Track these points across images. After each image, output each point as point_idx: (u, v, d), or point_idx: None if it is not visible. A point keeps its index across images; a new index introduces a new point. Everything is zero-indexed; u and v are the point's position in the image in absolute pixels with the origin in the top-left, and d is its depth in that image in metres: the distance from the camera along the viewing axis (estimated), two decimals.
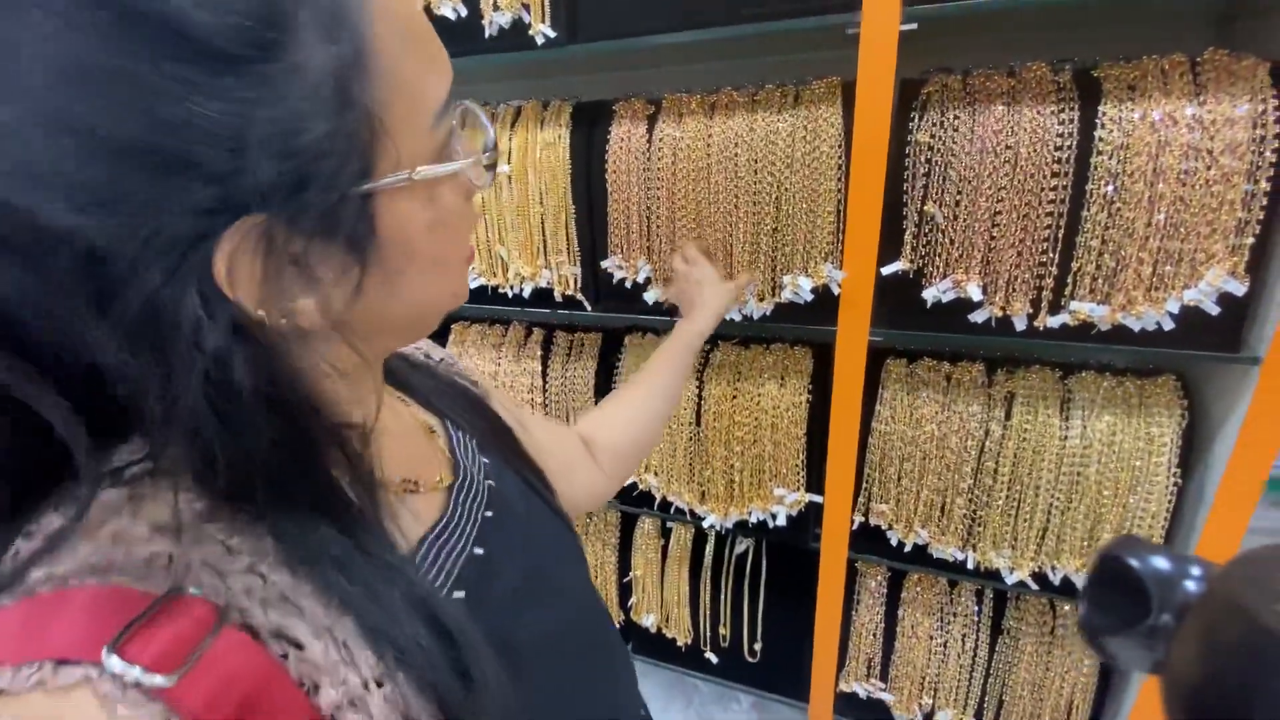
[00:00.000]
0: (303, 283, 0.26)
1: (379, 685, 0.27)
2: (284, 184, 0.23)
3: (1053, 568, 0.83)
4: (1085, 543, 0.81)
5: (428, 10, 0.89)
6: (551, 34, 0.84)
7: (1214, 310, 0.67)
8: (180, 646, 0.22)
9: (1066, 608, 0.92)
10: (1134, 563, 0.29)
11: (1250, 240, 0.65)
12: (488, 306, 1.05)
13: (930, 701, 1.01)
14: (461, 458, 0.42)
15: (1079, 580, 0.82)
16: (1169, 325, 0.69)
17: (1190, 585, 0.28)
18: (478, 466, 0.42)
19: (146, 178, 0.21)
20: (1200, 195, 0.65)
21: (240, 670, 0.23)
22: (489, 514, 0.40)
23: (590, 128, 0.90)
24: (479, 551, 0.37)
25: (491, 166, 0.33)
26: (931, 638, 0.98)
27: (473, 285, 1.03)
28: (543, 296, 1.00)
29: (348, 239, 0.26)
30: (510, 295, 1.01)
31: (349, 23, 0.25)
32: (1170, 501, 0.77)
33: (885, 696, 1.04)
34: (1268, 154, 0.64)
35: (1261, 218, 0.65)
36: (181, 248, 0.22)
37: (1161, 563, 0.29)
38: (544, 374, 1.07)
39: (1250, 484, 0.73)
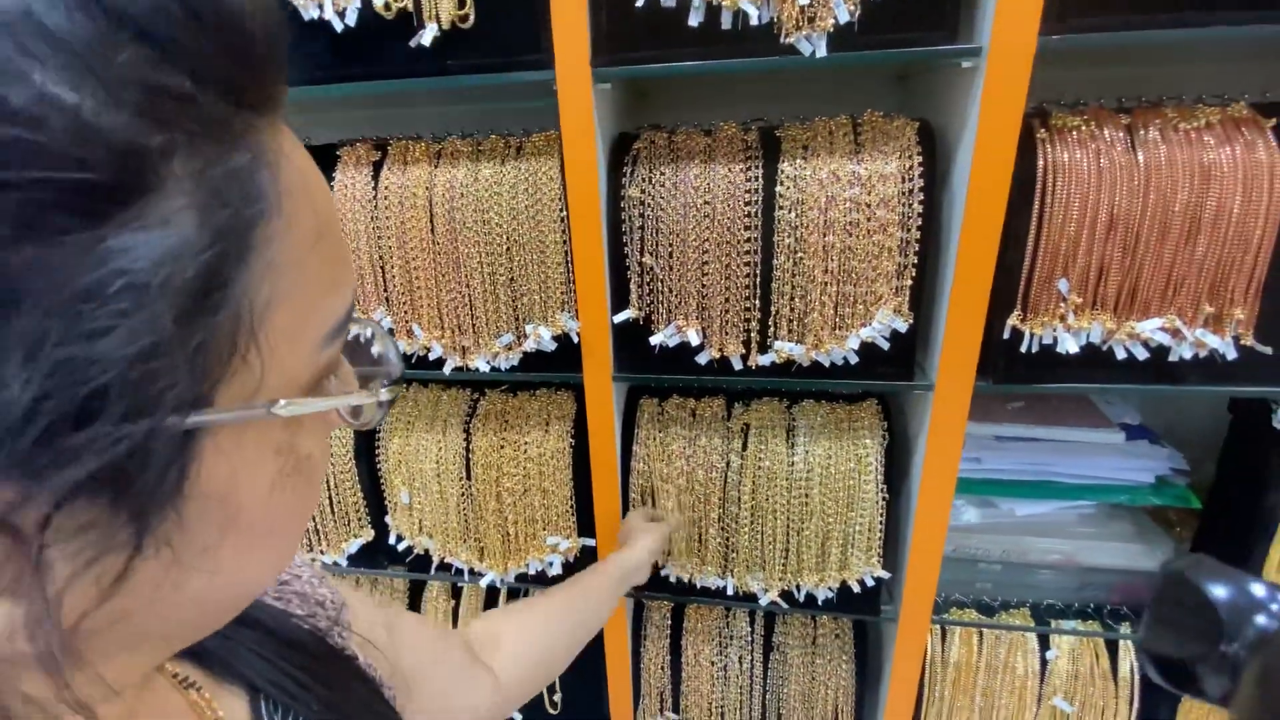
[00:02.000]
0: (7, 571, 0.16)
1: None
2: (45, 420, 0.14)
3: (798, 586, 0.89)
4: (818, 560, 0.87)
5: None
6: None
7: (885, 345, 0.75)
8: None
9: (823, 618, 0.98)
10: (1208, 587, 0.26)
11: (909, 282, 0.74)
12: None
13: None
14: None
15: (820, 594, 0.88)
16: (854, 359, 0.76)
17: (1264, 617, 0.25)
18: None
19: None
20: (864, 244, 0.72)
21: None
22: None
23: None
24: None
25: (388, 404, 0.25)
26: (713, 663, 1.01)
27: None
28: None
29: (131, 500, 0.16)
30: None
31: (252, 191, 0.18)
32: (881, 516, 0.84)
33: None
34: (915, 205, 0.72)
35: (915, 262, 0.73)
36: None
37: (1237, 589, 0.26)
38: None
39: (942, 494, 0.82)
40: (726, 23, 0.66)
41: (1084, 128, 0.67)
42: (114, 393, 0.15)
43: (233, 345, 0.18)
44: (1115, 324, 0.69)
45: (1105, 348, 0.71)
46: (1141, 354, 0.70)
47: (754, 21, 0.66)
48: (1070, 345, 0.71)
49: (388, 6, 0.71)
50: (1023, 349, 0.73)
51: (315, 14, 0.73)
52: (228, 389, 0.18)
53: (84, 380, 0.15)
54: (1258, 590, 0.26)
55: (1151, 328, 0.68)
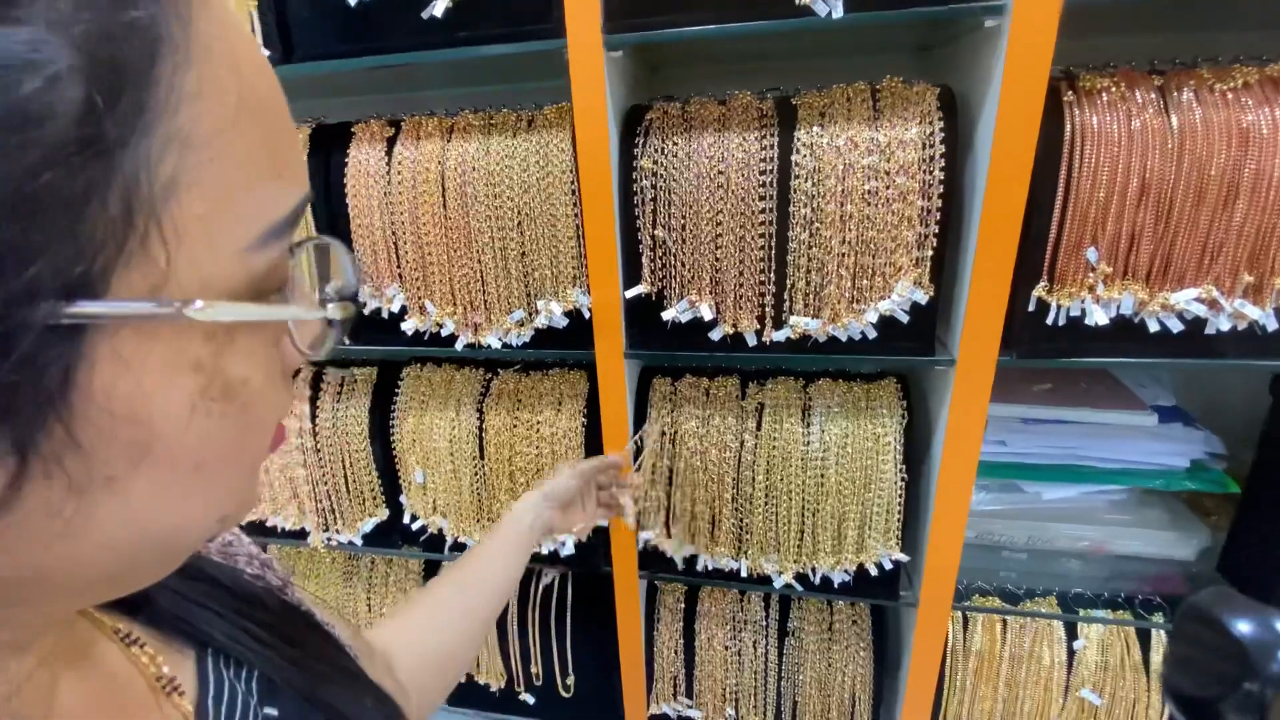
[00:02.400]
0: None
1: None
2: None
3: (813, 569, 0.87)
4: (834, 542, 0.85)
5: None
6: (265, 52, 0.78)
7: (905, 319, 0.72)
8: None
9: (839, 604, 0.96)
10: (1233, 624, 0.26)
11: (930, 253, 0.71)
12: None
13: (734, 712, 1.02)
14: None
15: (836, 577, 0.86)
16: (872, 335, 0.74)
17: None
18: None
19: None
20: (883, 213, 0.70)
21: None
22: None
23: (329, 152, 0.84)
24: None
25: (343, 324, 0.23)
26: (726, 648, 1.00)
27: None
28: None
29: (2, 400, 0.14)
30: None
31: (138, 18, 0.15)
32: (900, 497, 0.82)
33: (693, 714, 1.04)
34: (936, 172, 0.69)
35: (936, 232, 0.71)
36: None
37: (1262, 625, 0.25)
38: (313, 415, 0.99)
39: (963, 476, 0.79)
40: None
41: (1114, 89, 0.64)
42: None
43: (127, 221, 0.15)
44: (1148, 294, 0.66)
45: (1137, 320, 0.68)
46: (1176, 326, 0.67)
47: None
48: (1100, 317, 0.68)
49: None
50: (1049, 321, 0.70)
51: None
52: (124, 279, 0.15)
53: None
54: None
55: (1186, 298, 0.65)
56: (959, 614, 0.90)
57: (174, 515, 0.19)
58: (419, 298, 0.86)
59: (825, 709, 0.98)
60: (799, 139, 0.71)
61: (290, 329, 0.21)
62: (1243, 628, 0.25)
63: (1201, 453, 0.82)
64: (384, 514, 1.00)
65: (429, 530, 1.00)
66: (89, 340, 0.15)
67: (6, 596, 0.17)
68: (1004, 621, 0.90)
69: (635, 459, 0.86)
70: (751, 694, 1.00)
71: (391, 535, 1.02)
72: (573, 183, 0.77)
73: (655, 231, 0.76)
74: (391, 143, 0.82)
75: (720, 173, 0.73)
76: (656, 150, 0.75)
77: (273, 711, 0.29)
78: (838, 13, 0.64)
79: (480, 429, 0.94)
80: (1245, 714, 0.25)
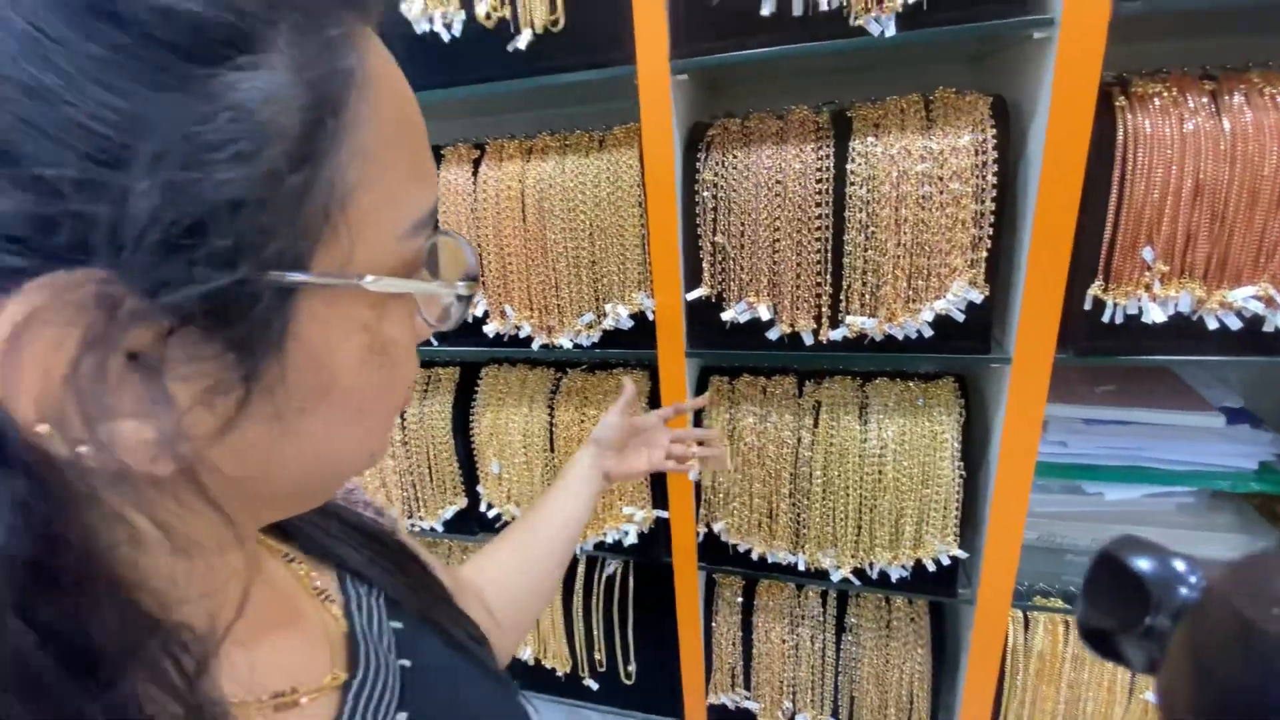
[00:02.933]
0: (138, 394, 0.18)
1: None
2: (162, 230, 0.16)
3: (870, 564, 0.89)
4: (891, 537, 0.87)
5: None
6: None
7: (960, 318, 0.75)
8: None
9: (897, 600, 0.98)
10: (1133, 562, 0.28)
11: (984, 254, 0.74)
12: None
13: (791, 705, 1.04)
14: (363, 635, 0.32)
15: (894, 573, 0.89)
16: (928, 333, 0.77)
17: (1186, 589, 0.27)
18: (386, 642, 0.33)
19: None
20: (937, 217, 0.74)
21: None
22: (402, 717, 0.30)
23: None
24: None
25: (465, 299, 0.27)
26: (784, 641, 1.03)
27: None
28: None
29: (239, 341, 0.19)
30: None
31: (342, 65, 0.20)
32: (958, 493, 0.84)
33: (751, 705, 1.07)
34: (989, 177, 0.73)
35: (991, 233, 0.74)
36: None
37: (1161, 563, 0.28)
38: (402, 411, 1.08)
39: (1021, 473, 0.81)
40: (797, 10, 0.70)
41: (1165, 94, 0.66)
42: (223, 222, 0.17)
43: (326, 214, 0.20)
44: (1205, 292, 0.67)
45: (1195, 317, 0.69)
46: (1235, 324, 0.67)
47: (823, 7, 0.70)
48: (1157, 314, 0.69)
49: (488, 16, 0.80)
50: (1105, 319, 0.72)
51: (426, 27, 0.83)
52: (321, 257, 0.20)
53: (197, 202, 0.17)
54: (1179, 565, 0.28)
55: (1244, 296, 0.66)
56: (1020, 614, 0.91)
57: (340, 445, 0.24)
58: (500, 303, 0.94)
59: (883, 705, 0.99)
60: (854, 149, 0.76)
61: (419, 305, 0.25)
62: (1144, 567, 0.28)
63: (1270, 454, 0.80)
64: (463, 502, 1.09)
65: (503, 518, 1.07)
66: (297, 303, 0.20)
67: (235, 492, 0.22)
68: (1066, 623, 0.90)
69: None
70: (809, 688, 1.03)
71: (469, 522, 1.11)
72: (640, 196, 0.84)
73: (715, 238, 0.82)
74: (477, 164, 0.91)
75: (778, 182, 0.78)
76: (718, 163, 0.81)
77: (397, 624, 0.35)
78: (890, 32, 0.69)
79: (550, 424, 1.01)
80: (1146, 645, 0.27)
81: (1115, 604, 0.29)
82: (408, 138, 0.23)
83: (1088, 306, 0.72)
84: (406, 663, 0.33)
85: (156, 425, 0.18)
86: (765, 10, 0.71)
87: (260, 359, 0.19)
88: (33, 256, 0.16)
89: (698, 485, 0.96)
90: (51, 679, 0.16)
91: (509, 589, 0.52)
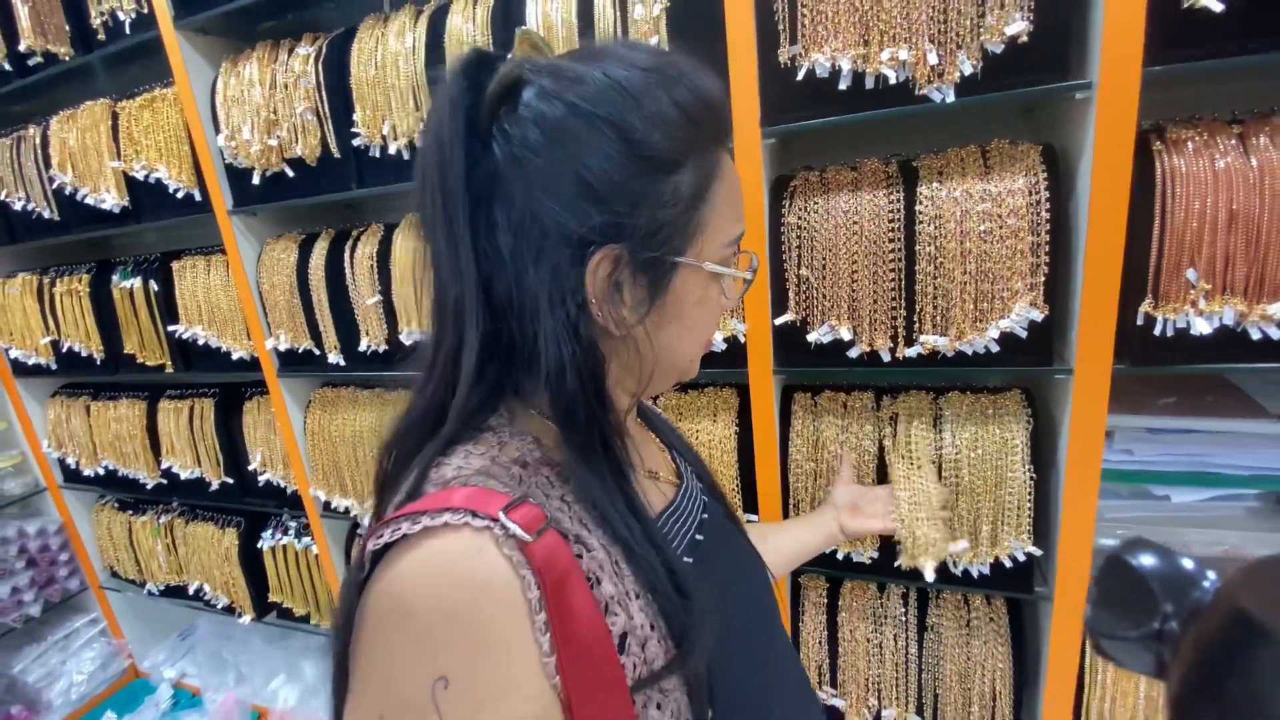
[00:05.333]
0: (615, 299, 0.41)
1: (636, 597, 0.38)
2: (643, 233, 0.39)
3: (954, 563, 0.98)
4: (970, 536, 0.96)
5: (383, 148, 1.13)
6: None
7: (1023, 334, 0.86)
8: (532, 524, 0.35)
9: (977, 600, 1.05)
10: (1140, 565, 0.28)
11: (1043, 278, 0.85)
12: None
13: (876, 703, 1.12)
14: (684, 472, 0.57)
15: (973, 570, 0.97)
16: (995, 349, 0.88)
17: (1197, 592, 0.27)
18: (694, 483, 0.57)
19: (596, 205, 0.39)
20: (998, 248, 0.86)
21: (558, 551, 0.35)
22: (704, 515, 0.54)
23: None
24: (699, 538, 0.51)
25: (748, 283, 0.48)
26: (868, 640, 1.11)
27: None
28: None
29: (651, 283, 0.41)
30: None
31: (709, 169, 0.43)
32: (1030, 495, 0.93)
33: (838, 702, 1.14)
34: (1043, 213, 0.84)
35: (1048, 260, 0.85)
36: (582, 249, 0.39)
37: (1169, 566, 0.28)
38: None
39: (1088, 475, 0.89)
40: (869, 84, 0.85)
41: (1197, 138, 0.77)
42: (661, 232, 0.41)
43: (699, 227, 0.43)
44: (1247, 307, 0.76)
45: (1239, 329, 0.78)
46: (1276, 334, 0.76)
47: (892, 81, 0.84)
48: (1203, 327, 0.78)
49: None
50: (1156, 333, 0.81)
51: None
52: (691, 250, 0.43)
53: (656, 224, 0.41)
54: (1188, 565, 0.28)
55: None
56: None
57: (679, 347, 0.46)
58: None
59: (966, 702, 1.06)
60: (921, 193, 0.89)
61: (724, 285, 0.46)
62: (1152, 569, 0.28)
63: None
64: None
65: None
66: (678, 270, 0.43)
67: (633, 372, 0.45)
68: None
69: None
70: (893, 686, 1.10)
71: None
72: None
73: (800, 271, 0.96)
74: None
75: (854, 222, 0.91)
76: (800, 209, 0.95)
77: (715, 504, 0.57)
78: (950, 99, 0.82)
79: None
80: (1159, 645, 0.27)
81: (1125, 606, 0.29)
82: (734, 197, 0.45)
83: (1140, 322, 0.82)
84: (705, 498, 0.57)
85: (618, 313, 0.41)
86: (843, 85, 0.86)
87: (657, 294, 0.42)
88: (602, 239, 0.39)
89: (785, 490, 1.07)
90: (595, 406, 0.41)
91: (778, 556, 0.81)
